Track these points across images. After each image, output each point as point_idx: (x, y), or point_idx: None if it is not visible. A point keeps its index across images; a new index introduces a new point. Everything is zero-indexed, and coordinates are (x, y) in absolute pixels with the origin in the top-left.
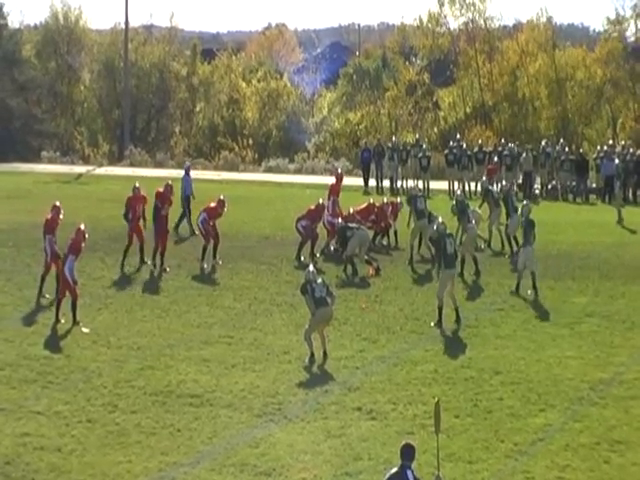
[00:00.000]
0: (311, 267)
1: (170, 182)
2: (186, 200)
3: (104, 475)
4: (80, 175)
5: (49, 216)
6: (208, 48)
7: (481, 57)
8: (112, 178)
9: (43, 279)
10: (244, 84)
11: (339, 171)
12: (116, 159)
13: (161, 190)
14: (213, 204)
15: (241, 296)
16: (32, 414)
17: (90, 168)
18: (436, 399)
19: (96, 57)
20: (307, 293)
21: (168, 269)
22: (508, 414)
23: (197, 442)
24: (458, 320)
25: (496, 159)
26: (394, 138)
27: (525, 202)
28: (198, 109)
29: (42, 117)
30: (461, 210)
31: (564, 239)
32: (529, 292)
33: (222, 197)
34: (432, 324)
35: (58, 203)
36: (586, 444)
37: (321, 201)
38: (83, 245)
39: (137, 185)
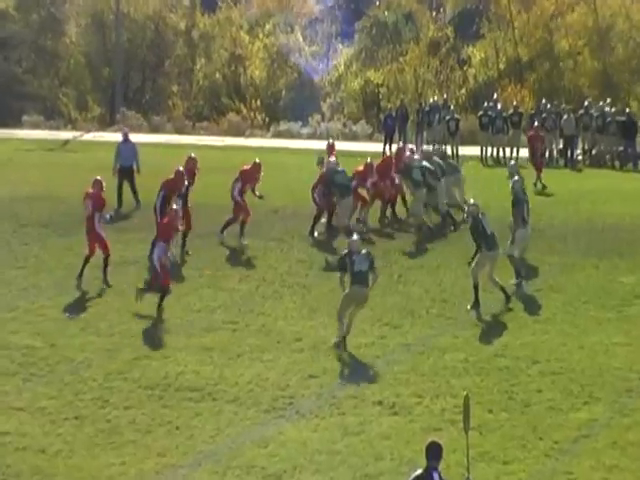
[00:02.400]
0: (355, 236)
1: (189, 159)
2: (125, 172)
3: (94, 479)
4: (67, 142)
5: (92, 191)
6: None
7: (515, 7)
8: (103, 145)
9: (87, 260)
10: (248, 38)
11: (330, 142)
12: (107, 123)
13: (172, 177)
14: (247, 167)
15: (247, 277)
16: (13, 410)
17: (78, 134)
18: (466, 392)
19: (83, 8)
20: (344, 268)
21: (190, 252)
22: (547, 408)
23: (198, 441)
24: (508, 300)
25: (536, 123)
26: (432, 99)
27: (516, 178)
28: (198, 67)
29: (23, 77)
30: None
31: (610, 211)
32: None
33: (257, 160)
34: (468, 307)
35: (99, 177)
36: (635, 442)
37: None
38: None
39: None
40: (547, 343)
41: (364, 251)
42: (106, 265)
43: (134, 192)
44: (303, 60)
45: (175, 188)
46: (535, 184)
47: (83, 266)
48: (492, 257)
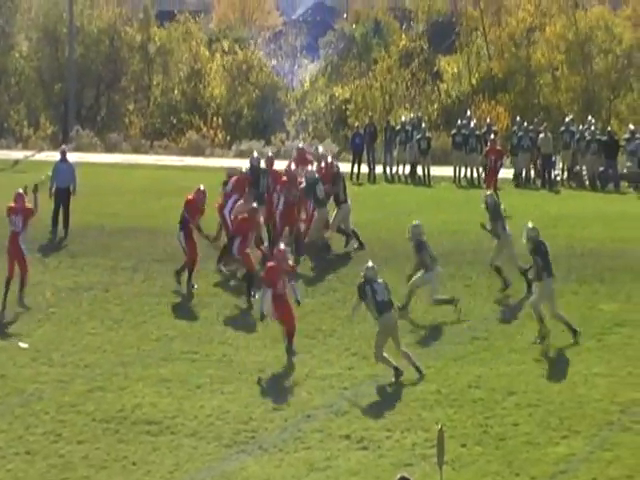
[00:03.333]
0: (370, 262)
1: (202, 187)
2: (60, 194)
3: None
4: (17, 161)
5: (16, 205)
6: (167, 10)
7: (488, 19)
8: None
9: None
10: (208, 53)
11: (300, 146)
12: (60, 142)
13: (191, 197)
14: (190, 196)
15: (207, 304)
16: None
17: (29, 153)
18: (439, 425)
19: (35, 21)
20: (367, 297)
21: (196, 286)
22: (524, 442)
23: (156, 477)
24: (575, 334)
25: (492, 136)
26: (403, 117)
27: (489, 192)
28: (155, 83)
29: None
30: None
31: (590, 235)
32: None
33: (202, 187)
34: (536, 341)
35: (21, 190)
36: (616, 477)
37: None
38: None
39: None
40: (524, 374)
41: (380, 280)
42: (23, 285)
43: (66, 217)
44: (265, 76)
45: (197, 209)
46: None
47: (6, 291)
48: (550, 284)
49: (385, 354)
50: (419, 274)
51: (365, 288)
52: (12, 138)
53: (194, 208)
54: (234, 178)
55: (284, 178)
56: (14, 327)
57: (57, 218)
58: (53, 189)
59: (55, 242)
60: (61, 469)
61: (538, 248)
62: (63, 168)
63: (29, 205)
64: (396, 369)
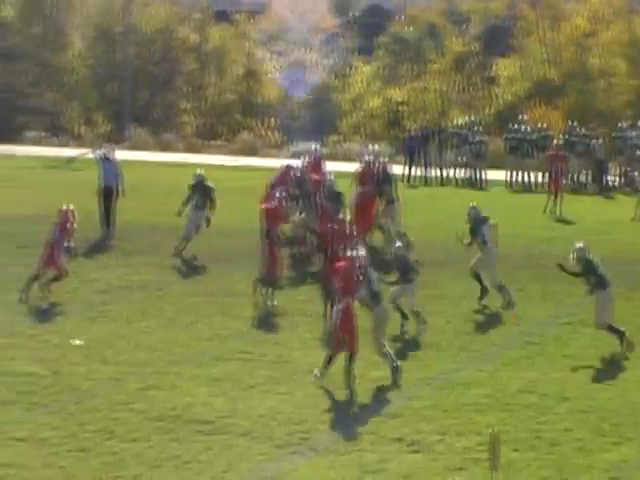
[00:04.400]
0: (363, 250)
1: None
2: (107, 193)
3: None
4: (72, 159)
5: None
6: (222, 10)
7: (544, 23)
8: None
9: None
10: (262, 54)
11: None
12: (115, 140)
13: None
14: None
15: (261, 304)
16: (13, 441)
17: (84, 151)
18: (494, 429)
19: (90, 20)
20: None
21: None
22: (576, 448)
23: (208, 477)
24: (631, 348)
25: (555, 142)
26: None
27: (471, 204)
28: (210, 83)
29: (26, 90)
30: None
31: None
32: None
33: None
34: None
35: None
36: None
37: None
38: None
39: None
40: (576, 379)
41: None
42: (56, 280)
43: (108, 217)
44: (320, 77)
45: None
46: (546, 210)
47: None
48: (609, 295)
49: (388, 349)
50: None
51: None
52: (67, 136)
53: (274, 216)
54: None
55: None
56: (68, 324)
57: (105, 217)
58: (101, 187)
59: (106, 241)
60: (114, 467)
61: (589, 267)
62: (108, 167)
63: (69, 224)
64: (395, 368)
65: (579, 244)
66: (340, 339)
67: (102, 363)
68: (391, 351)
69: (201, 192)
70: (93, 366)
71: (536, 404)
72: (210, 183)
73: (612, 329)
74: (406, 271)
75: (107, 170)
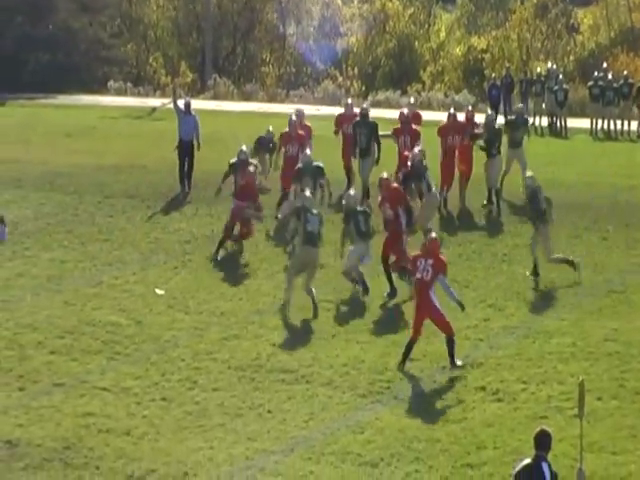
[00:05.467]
0: (308, 192)
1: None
2: (185, 147)
3: (181, 463)
4: (154, 109)
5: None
6: None
7: None
8: None
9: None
10: (340, 1)
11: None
12: (198, 90)
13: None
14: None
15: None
16: (96, 390)
17: (166, 101)
18: (580, 378)
19: None
20: (299, 219)
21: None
22: None
23: (291, 426)
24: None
25: None
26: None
27: (417, 149)
28: (290, 32)
29: (109, 42)
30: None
31: None
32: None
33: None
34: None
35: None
36: None
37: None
38: None
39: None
40: None
41: (315, 211)
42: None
43: (190, 170)
44: (402, 26)
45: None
46: None
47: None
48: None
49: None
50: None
51: (300, 212)
52: (149, 86)
53: None
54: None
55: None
56: (151, 274)
57: (183, 171)
58: (177, 142)
59: (185, 193)
60: (196, 416)
61: (534, 196)
62: (187, 120)
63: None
64: (285, 304)
65: (529, 172)
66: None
67: (184, 313)
68: (292, 289)
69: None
70: (176, 316)
71: (619, 353)
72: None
73: (554, 260)
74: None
75: (186, 124)
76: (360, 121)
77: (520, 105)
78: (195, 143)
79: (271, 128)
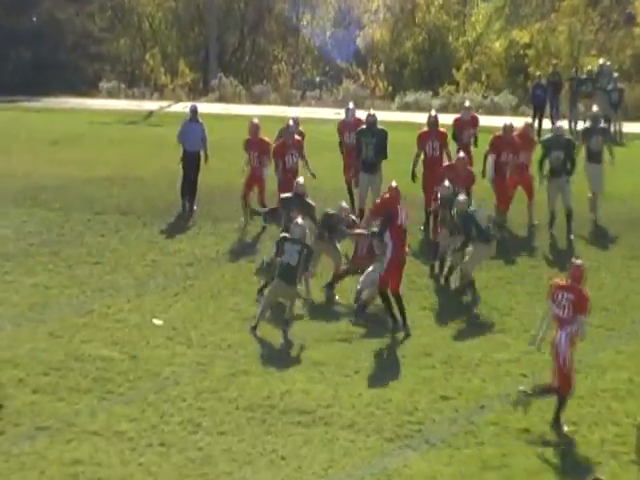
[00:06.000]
0: (300, 219)
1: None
2: (189, 159)
3: None
4: (151, 113)
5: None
6: None
7: None
8: None
9: None
10: None
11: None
12: (200, 92)
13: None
14: None
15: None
16: (86, 435)
17: (165, 104)
18: (638, 419)
19: None
20: (278, 254)
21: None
22: None
23: (308, 474)
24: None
25: None
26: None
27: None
28: (305, 23)
29: (99, 36)
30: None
31: None
32: None
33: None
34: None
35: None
36: None
37: None
38: None
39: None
40: None
41: (298, 241)
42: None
43: (193, 186)
44: (433, 17)
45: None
46: None
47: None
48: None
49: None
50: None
51: (279, 245)
52: (146, 88)
53: None
54: None
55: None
56: (148, 301)
57: (186, 186)
58: (181, 154)
59: (188, 210)
60: (200, 463)
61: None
62: (193, 129)
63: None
64: (253, 327)
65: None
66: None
67: (186, 346)
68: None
69: None
70: (176, 349)
71: None
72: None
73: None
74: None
75: (192, 132)
76: (366, 129)
77: (595, 109)
78: (202, 154)
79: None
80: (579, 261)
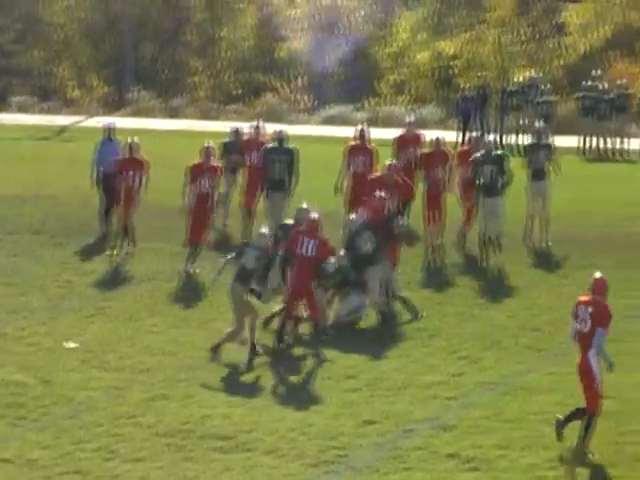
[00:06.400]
0: (265, 229)
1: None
2: (108, 181)
3: None
4: (64, 129)
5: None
6: None
7: None
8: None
9: None
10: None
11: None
12: (115, 105)
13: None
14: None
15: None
16: None
17: (78, 119)
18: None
19: None
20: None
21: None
22: None
23: None
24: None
25: None
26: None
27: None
28: (223, 34)
29: (10, 48)
30: None
31: None
32: None
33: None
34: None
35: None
36: None
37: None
38: None
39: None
40: None
41: (259, 248)
42: None
43: (108, 211)
44: (357, 27)
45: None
46: None
47: None
48: None
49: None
50: None
51: (241, 249)
52: (58, 102)
53: None
54: None
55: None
56: (62, 323)
57: (109, 212)
58: (95, 175)
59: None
60: None
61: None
62: (110, 149)
63: None
64: (216, 347)
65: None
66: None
67: (102, 369)
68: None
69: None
70: (91, 373)
71: (617, 412)
72: None
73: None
74: None
75: (108, 153)
76: (276, 147)
77: (541, 124)
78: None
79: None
80: (599, 274)
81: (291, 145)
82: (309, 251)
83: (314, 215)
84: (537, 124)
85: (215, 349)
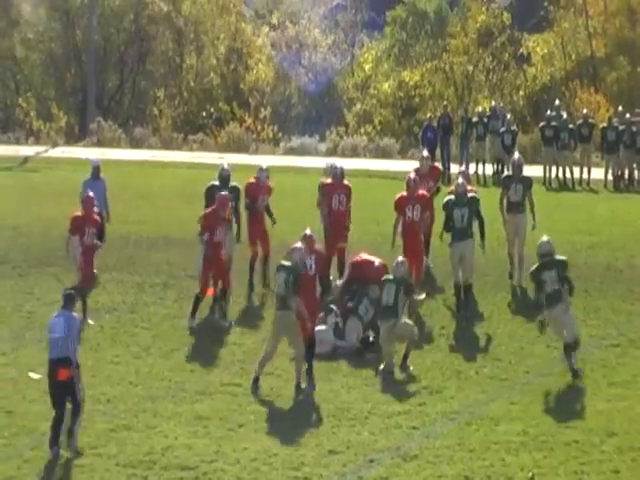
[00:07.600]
0: (299, 244)
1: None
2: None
3: None
4: (26, 159)
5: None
6: None
7: None
8: (72, 163)
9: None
10: (252, 30)
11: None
12: (77, 136)
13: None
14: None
15: (252, 329)
16: None
17: (41, 149)
18: (530, 473)
19: None
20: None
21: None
22: None
23: None
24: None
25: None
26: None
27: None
28: (188, 65)
29: None
30: None
31: None
32: None
33: None
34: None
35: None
36: None
37: None
38: None
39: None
40: (626, 412)
41: (284, 273)
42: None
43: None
44: (321, 58)
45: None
46: None
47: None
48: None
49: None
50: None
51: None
52: (20, 132)
53: None
54: None
55: None
56: (24, 354)
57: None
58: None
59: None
60: None
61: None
62: (96, 187)
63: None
64: (255, 380)
65: (545, 237)
66: None
67: None
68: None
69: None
70: None
71: (578, 442)
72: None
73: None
74: None
75: (96, 191)
76: (220, 186)
77: (517, 156)
78: (105, 214)
79: (226, 165)
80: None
81: (234, 183)
82: (312, 269)
83: (307, 231)
84: (515, 156)
85: (255, 382)
